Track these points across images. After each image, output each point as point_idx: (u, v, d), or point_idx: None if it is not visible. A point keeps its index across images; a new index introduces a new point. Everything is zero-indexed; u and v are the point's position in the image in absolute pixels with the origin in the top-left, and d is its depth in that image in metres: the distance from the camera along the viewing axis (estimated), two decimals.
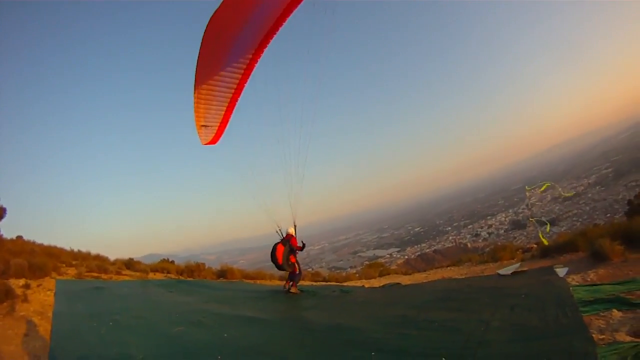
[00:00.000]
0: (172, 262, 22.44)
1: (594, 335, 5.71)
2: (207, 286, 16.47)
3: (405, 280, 17.17)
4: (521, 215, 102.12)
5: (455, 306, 9.05)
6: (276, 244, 10.10)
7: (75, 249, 21.88)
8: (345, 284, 17.97)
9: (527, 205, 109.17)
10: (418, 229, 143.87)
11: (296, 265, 10.57)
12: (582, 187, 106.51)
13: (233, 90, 7.21)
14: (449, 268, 18.86)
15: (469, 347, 6.17)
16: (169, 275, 19.65)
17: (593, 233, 12.57)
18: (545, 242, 14.23)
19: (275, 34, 6.57)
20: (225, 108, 7.51)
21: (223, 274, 19.80)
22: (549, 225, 16.53)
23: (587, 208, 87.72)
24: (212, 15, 5.48)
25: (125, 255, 21.21)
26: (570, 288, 8.41)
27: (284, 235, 10.51)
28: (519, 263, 14.10)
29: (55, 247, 20.92)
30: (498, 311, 7.95)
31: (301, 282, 15.06)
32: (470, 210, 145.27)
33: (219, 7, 5.44)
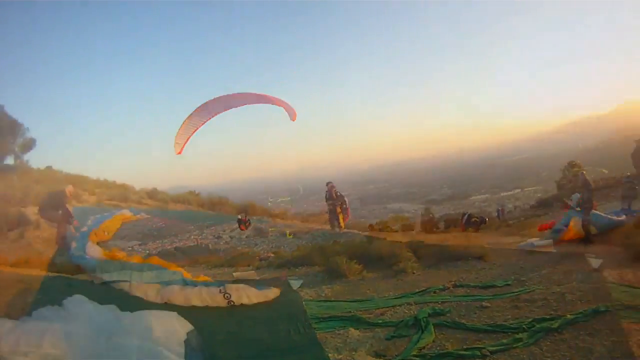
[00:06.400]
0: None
1: (330, 355, 5.60)
2: None
3: None
4: (264, 224, 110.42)
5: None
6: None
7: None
8: None
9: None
10: (161, 223, 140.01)
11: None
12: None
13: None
14: (184, 268, 18.29)
15: None
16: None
17: (331, 250, 13.58)
18: (289, 235, 16.14)
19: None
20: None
21: None
22: (288, 233, 19.47)
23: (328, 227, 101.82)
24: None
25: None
26: (303, 302, 8.46)
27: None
28: (254, 271, 14.23)
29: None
30: (224, 322, 7.37)
31: None
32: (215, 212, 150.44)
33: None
